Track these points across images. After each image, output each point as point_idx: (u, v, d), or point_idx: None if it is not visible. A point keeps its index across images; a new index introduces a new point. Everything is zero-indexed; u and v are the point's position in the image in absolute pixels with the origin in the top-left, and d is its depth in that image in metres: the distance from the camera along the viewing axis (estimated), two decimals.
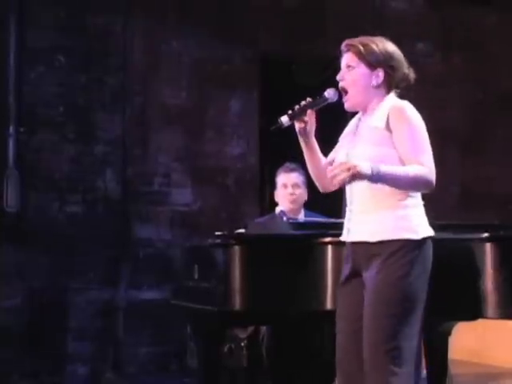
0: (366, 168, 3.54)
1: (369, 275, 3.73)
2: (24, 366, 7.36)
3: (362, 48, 3.81)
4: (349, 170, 3.51)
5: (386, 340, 3.64)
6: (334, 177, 3.55)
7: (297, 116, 3.88)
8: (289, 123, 3.87)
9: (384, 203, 3.74)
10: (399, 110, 3.74)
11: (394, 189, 3.72)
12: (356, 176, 3.54)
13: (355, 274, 3.81)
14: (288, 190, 5.56)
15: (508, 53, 9.40)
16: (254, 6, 8.38)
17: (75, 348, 7.62)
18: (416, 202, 3.79)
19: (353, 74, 3.83)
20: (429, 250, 3.78)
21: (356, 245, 3.80)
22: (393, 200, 3.74)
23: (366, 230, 3.76)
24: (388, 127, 3.73)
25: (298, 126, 3.91)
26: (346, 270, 3.87)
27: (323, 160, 4.01)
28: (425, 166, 3.69)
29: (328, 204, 5.11)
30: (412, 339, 3.69)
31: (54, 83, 7.74)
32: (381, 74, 3.82)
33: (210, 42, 8.22)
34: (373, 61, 3.81)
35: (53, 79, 7.74)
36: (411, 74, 3.90)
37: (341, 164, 3.58)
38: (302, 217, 5.47)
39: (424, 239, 3.75)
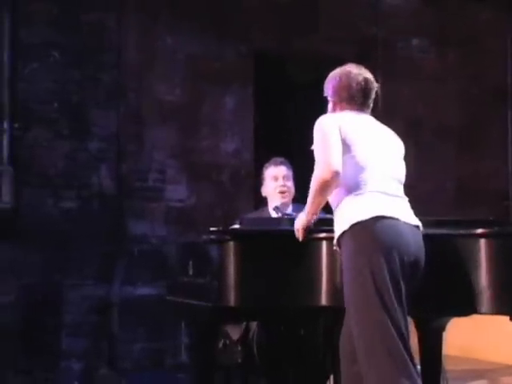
0: (299, 223, 4.15)
1: None
2: (18, 362, 7.36)
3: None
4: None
5: (358, 332, 3.84)
6: None
7: None
8: None
9: (338, 207, 4.06)
10: (315, 124, 4.14)
11: (336, 192, 4.03)
12: (304, 231, 4.14)
13: None
14: (279, 181, 5.55)
15: (502, 48, 9.42)
16: (247, 3, 8.39)
17: (69, 344, 7.62)
18: (354, 196, 4.00)
19: None
20: (362, 233, 3.88)
21: None
22: (340, 204, 4.04)
23: None
24: None
25: None
26: None
27: None
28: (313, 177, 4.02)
29: None
30: (383, 327, 3.79)
31: (48, 79, 7.74)
32: (331, 102, 4.28)
33: (204, 39, 8.22)
34: (326, 96, 4.30)
35: (47, 75, 7.73)
36: (353, 85, 4.22)
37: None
38: (290, 211, 5.44)
39: (353, 226, 3.90)
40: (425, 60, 8.92)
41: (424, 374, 4.79)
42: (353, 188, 3.99)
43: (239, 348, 5.09)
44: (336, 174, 3.89)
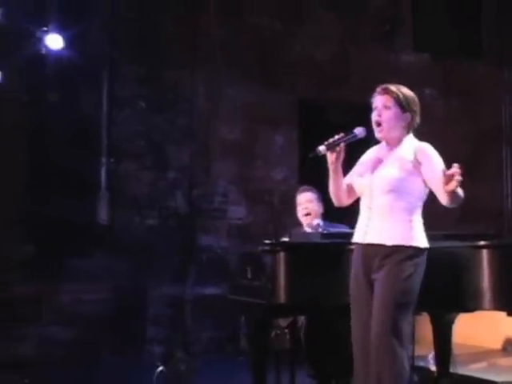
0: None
1: (382, 274, 3.71)
2: (112, 346, 7.37)
3: (399, 93, 3.81)
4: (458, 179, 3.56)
5: (391, 325, 3.63)
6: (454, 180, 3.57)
7: (331, 147, 3.84)
8: (325, 152, 3.84)
9: (399, 216, 3.74)
10: (426, 149, 3.79)
11: (406, 205, 3.74)
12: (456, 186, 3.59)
13: (366, 271, 3.80)
14: (302, 206, 5.42)
15: (496, 97, 9.31)
16: (293, 60, 8.37)
17: (152, 332, 7.63)
18: (419, 218, 3.80)
19: (389, 112, 3.82)
20: (425, 258, 3.76)
21: (371, 246, 3.78)
22: (405, 214, 3.74)
23: (383, 236, 3.74)
24: (416, 160, 3.75)
25: (330, 155, 3.88)
26: (356, 268, 3.86)
27: (342, 180, 4.00)
28: None
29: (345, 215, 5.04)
30: (408, 324, 3.70)
31: (136, 123, 7.80)
32: (409, 116, 3.84)
33: (258, 90, 8.22)
34: (405, 105, 3.81)
35: (135, 120, 7.79)
36: (419, 119, 3.93)
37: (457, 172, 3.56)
38: (321, 224, 5.31)
39: (425, 249, 3.75)
40: (434, 106, 8.82)
41: (437, 358, 4.72)
42: (419, 210, 3.82)
43: (288, 337, 5.04)
44: None
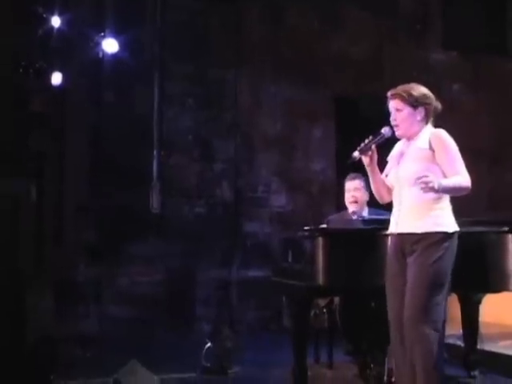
0: (437, 185, 3.59)
1: (413, 258, 3.74)
2: (166, 324, 7.43)
3: (405, 95, 3.83)
4: (431, 184, 3.57)
5: (421, 304, 3.65)
6: (424, 182, 3.58)
7: (364, 151, 3.89)
8: (359, 156, 3.90)
9: (426, 205, 3.75)
10: (439, 135, 3.79)
11: (433, 195, 3.72)
12: (432, 189, 3.59)
13: (399, 257, 3.82)
14: (350, 193, 5.34)
15: None
16: (329, 58, 8.34)
17: (201, 311, 7.69)
18: (447, 205, 3.80)
19: (402, 114, 3.85)
20: (456, 241, 3.76)
21: (403, 235, 3.80)
22: (432, 203, 3.75)
23: (413, 224, 3.76)
24: (431, 147, 3.77)
25: (365, 158, 3.93)
26: (390, 254, 3.88)
27: (381, 178, 4.02)
28: (463, 176, 3.72)
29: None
30: (439, 305, 3.68)
31: (184, 119, 7.84)
32: (422, 110, 3.84)
33: (297, 86, 8.21)
34: (414, 102, 3.82)
35: (184, 116, 7.84)
36: (439, 106, 3.92)
37: (427, 177, 3.59)
38: (365, 214, 5.25)
39: (453, 233, 3.75)
40: (463, 100, 8.73)
41: (464, 335, 4.70)
42: (446, 196, 3.78)
43: (326, 316, 5.04)
44: None
